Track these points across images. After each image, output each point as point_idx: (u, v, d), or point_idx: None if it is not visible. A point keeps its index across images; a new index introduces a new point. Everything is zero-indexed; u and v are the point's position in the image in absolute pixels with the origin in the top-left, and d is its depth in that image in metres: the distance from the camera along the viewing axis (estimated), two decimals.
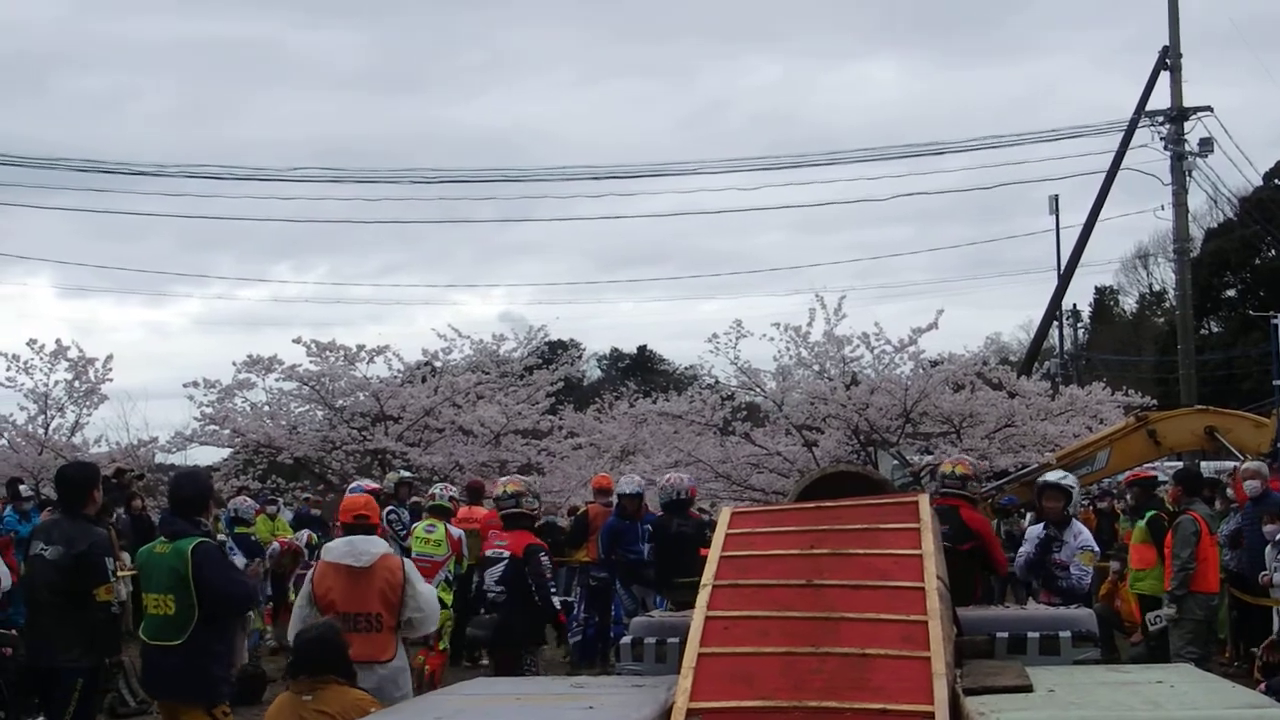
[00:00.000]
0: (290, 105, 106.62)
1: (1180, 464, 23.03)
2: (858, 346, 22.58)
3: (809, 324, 22.52)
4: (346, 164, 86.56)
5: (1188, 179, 34.73)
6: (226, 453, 25.80)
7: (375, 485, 15.80)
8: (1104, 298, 70.35)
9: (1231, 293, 56.63)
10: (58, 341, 24.21)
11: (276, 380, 24.40)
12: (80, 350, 24.27)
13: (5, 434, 24.22)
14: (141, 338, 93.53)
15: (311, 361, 24.19)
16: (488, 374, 25.28)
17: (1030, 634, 7.77)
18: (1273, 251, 54.13)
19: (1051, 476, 14.75)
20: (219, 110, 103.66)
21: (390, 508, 17.06)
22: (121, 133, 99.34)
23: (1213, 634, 14.80)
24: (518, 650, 11.70)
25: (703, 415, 23.32)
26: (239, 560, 15.75)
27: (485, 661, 15.52)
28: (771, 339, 22.71)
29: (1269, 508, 13.91)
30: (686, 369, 37.50)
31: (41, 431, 24.09)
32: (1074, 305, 62.03)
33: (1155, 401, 25.46)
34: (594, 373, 67.62)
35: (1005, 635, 7.75)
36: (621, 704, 6.35)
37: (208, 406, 23.90)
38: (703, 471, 21.85)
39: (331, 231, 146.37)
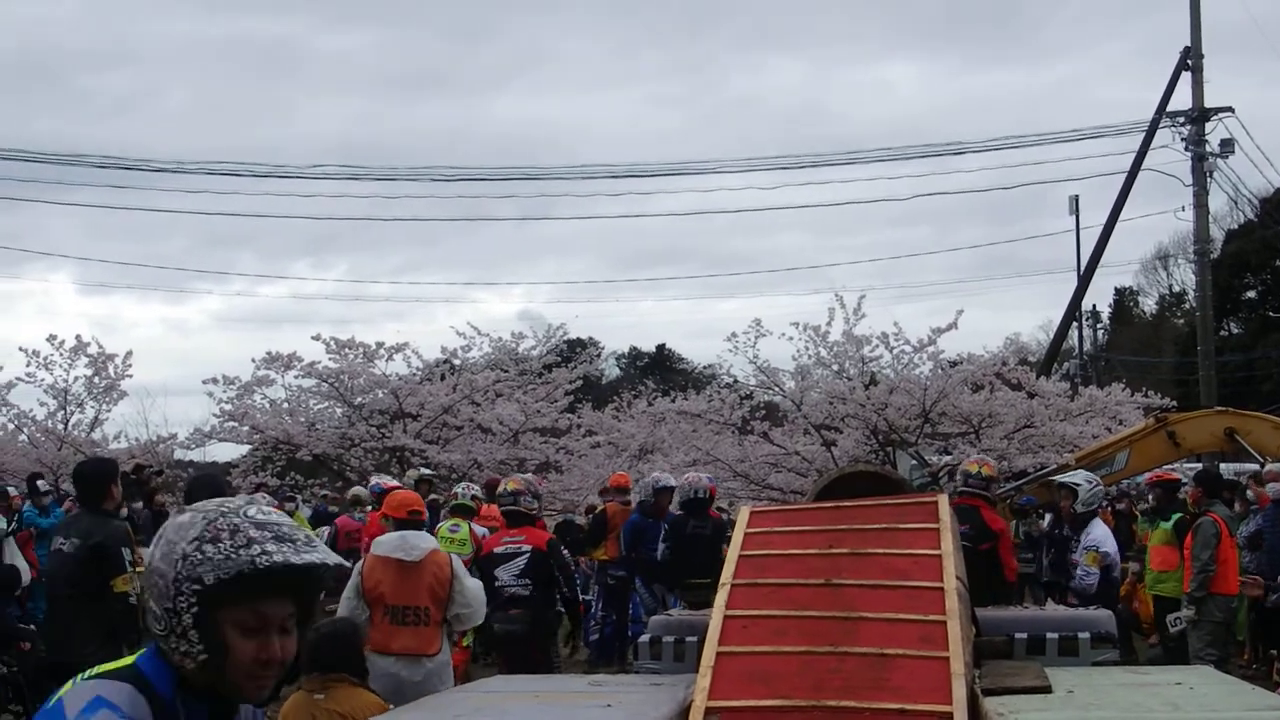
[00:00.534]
0: (313, 104, 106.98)
1: (1199, 465, 22.95)
2: (877, 346, 22.56)
3: (828, 324, 22.50)
4: (369, 163, 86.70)
5: (1209, 180, 34.60)
6: (245, 449, 25.87)
7: (395, 483, 15.77)
8: (1124, 299, 70.16)
9: (1252, 294, 56.39)
10: (78, 337, 24.33)
11: (296, 377, 24.47)
12: (100, 346, 24.39)
13: (25, 429, 24.32)
14: (162, 334, 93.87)
15: (331, 359, 24.26)
16: (506, 372, 25.30)
17: (1049, 635, 7.76)
18: None
19: (1066, 476, 14.81)
20: (242, 109, 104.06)
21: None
22: (144, 131, 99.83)
23: (1231, 636, 14.78)
24: (548, 642, 11.93)
25: (721, 414, 23.31)
26: None
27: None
28: (790, 338, 22.70)
29: None
30: (705, 368, 37.54)
31: (61, 427, 24.18)
32: (1094, 306, 61.88)
33: (1175, 403, 25.35)
34: (613, 371, 67.59)
35: (1024, 636, 7.74)
36: (640, 702, 6.35)
37: (227, 403, 23.95)
38: (721, 471, 21.84)
39: (352, 229, 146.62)
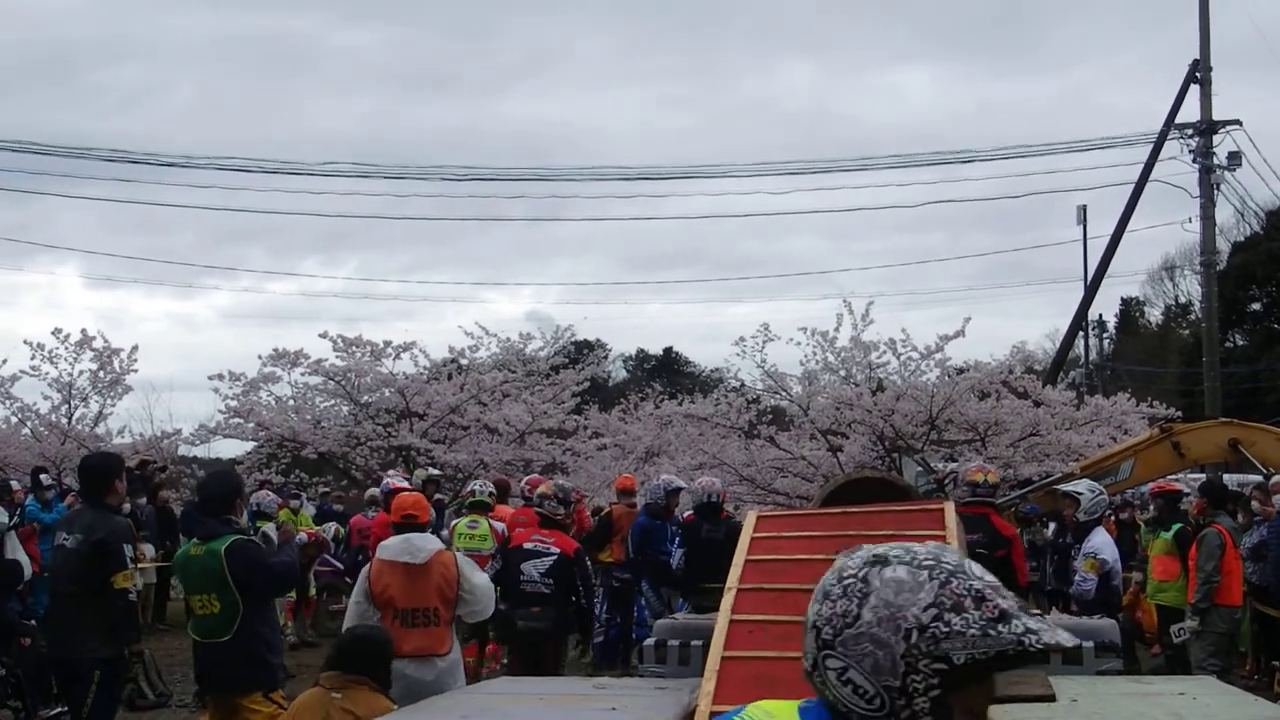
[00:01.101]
0: (325, 102, 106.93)
1: (1203, 476, 22.95)
2: (884, 353, 22.55)
3: (836, 329, 22.49)
4: (382, 161, 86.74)
5: (1215, 192, 34.64)
6: (250, 446, 25.85)
7: (404, 483, 15.79)
8: (1130, 309, 70.12)
9: (1257, 306, 56.35)
10: (83, 331, 24.28)
11: (302, 375, 24.44)
12: (105, 340, 24.36)
13: (29, 423, 24.29)
14: (168, 329, 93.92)
15: (338, 356, 24.23)
16: (514, 372, 25.27)
17: None
18: None
19: (1069, 485, 14.83)
20: (253, 105, 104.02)
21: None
22: (155, 126, 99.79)
23: (1234, 647, 14.79)
24: (562, 643, 12.56)
25: (728, 418, 23.29)
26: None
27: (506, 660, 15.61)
28: (798, 343, 22.69)
29: None
30: (712, 371, 37.52)
31: (65, 421, 24.13)
32: (1100, 316, 61.84)
33: (1180, 413, 25.33)
34: (620, 373, 67.60)
35: None
36: (644, 706, 6.38)
37: (232, 399, 23.94)
38: (727, 474, 21.82)
39: (362, 227, 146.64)
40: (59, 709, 11.65)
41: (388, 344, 24.73)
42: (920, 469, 22.52)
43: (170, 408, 72.03)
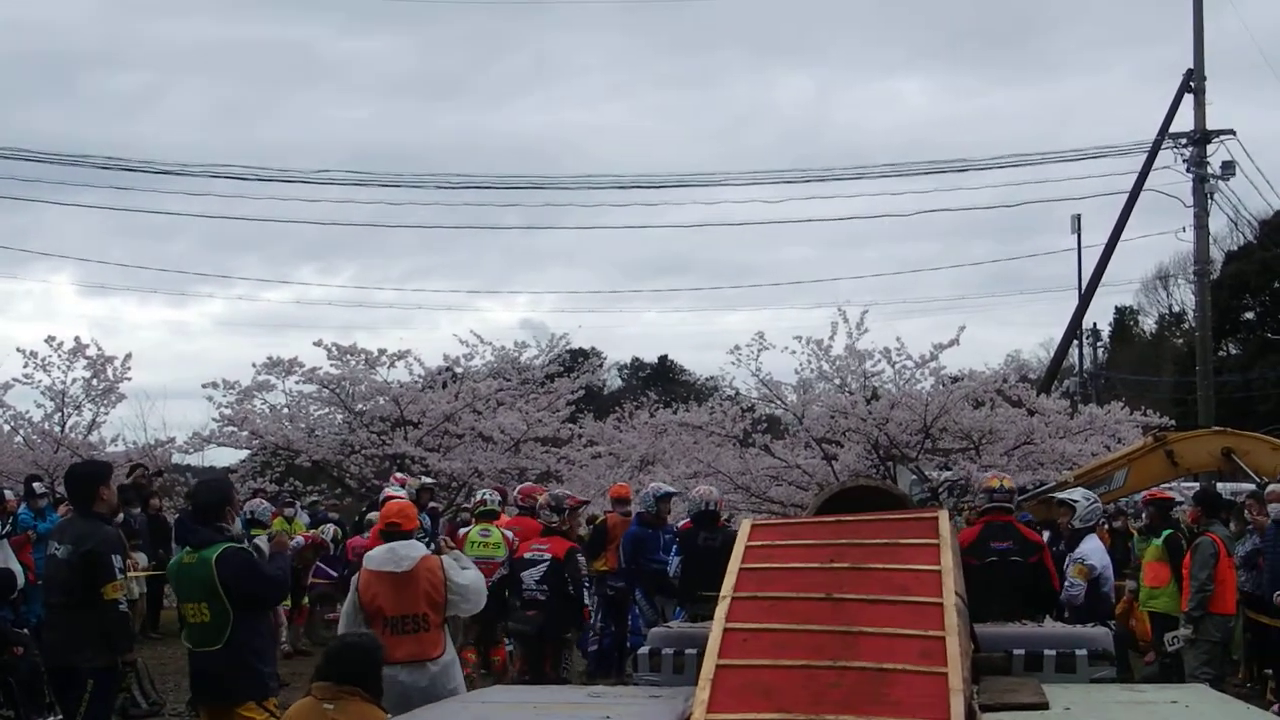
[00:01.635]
0: (328, 110, 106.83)
1: (1196, 485, 22.98)
2: (879, 361, 22.60)
3: (831, 338, 22.55)
4: (383, 169, 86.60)
5: (1209, 201, 34.67)
6: (244, 454, 25.82)
7: (399, 492, 15.78)
8: (1124, 318, 70.20)
9: (1250, 315, 56.40)
10: (76, 339, 24.25)
11: (296, 383, 24.46)
12: (99, 348, 24.32)
13: (21, 431, 24.21)
14: (163, 337, 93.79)
15: (332, 365, 24.25)
16: (509, 381, 25.29)
17: (1047, 652, 7.79)
18: None
19: (1065, 493, 14.86)
20: (256, 113, 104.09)
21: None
22: (152, 133, 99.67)
23: (1227, 655, 14.80)
24: (558, 645, 13.23)
25: (723, 426, 23.32)
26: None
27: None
28: (793, 352, 22.73)
29: None
30: (707, 380, 37.55)
31: (58, 429, 24.09)
32: (1094, 324, 61.97)
33: (1173, 422, 25.39)
34: (615, 382, 67.62)
35: (1022, 652, 7.77)
36: (639, 714, 6.38)
37: (226, 408, 23.93)
38: (722, 483, 21.80)
39: (358, 236, 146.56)
40: (53, 718, 11.63)
41: (382, 352, 24.76)
42: (915, 477, 22.54)
43: (164, 416, 71.86)
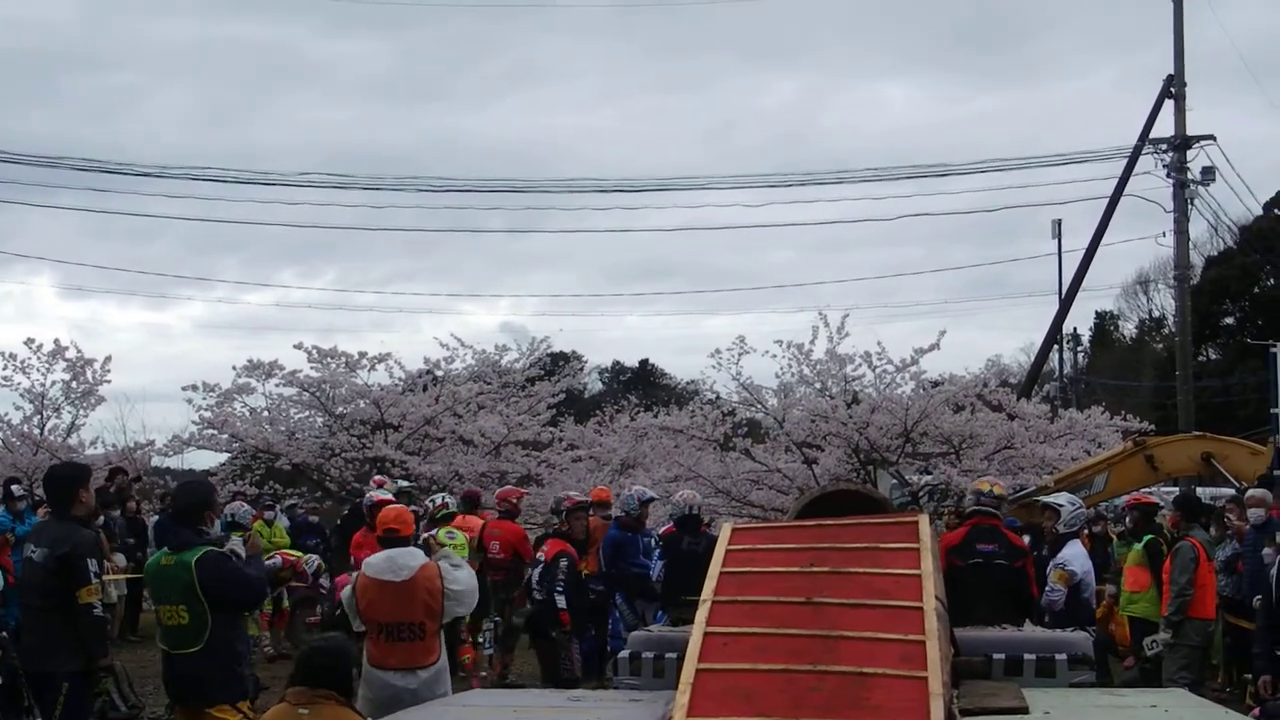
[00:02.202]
0: (310, 112, 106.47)
1: (1175, 490, 23.05)
2: (860, 365, 22.64)
3: (812, 342, 22.58)
4: (365, 172, 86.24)
5: (1190, 207, 34.83)
6: (224, 457, 25.78)
7: (386, 495, 15.76)
8: (1104, 322, 70.35)
9: (1230, 320, 56.60)
10: (56, 341, 24.18)
11: (276, 386, 24.41)
12: (78, 351, 24.24)
13: (0, 433, 24.13)
14: (143, 340, 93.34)
15: (312, 367, 24.20)
16: (489, 384, 25.27)
17: (1027, 656, 7.80)
18: (1272, 280, 54.17)
19: (1050, 497, 14.88)
20: (238, 115, 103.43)
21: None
22: (136, 134, 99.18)
23: (1207, 659, 14.83)
24: (551, 644, 14.21)
25: (703, 430, 23.34)
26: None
27: (482, 673, 15.71)
28: (774, 356, 22.77)
29: (1272, 534, 13.94)
30: (688, 384, 37.55)
31: (37, 432, 24.01)
32: (1074, 329, 62.16)
33: (1153, 427, 25.48)
34: (595, 385, 67.61)
35: (1002, 657, 7.78)
36: (619, 717, 6.39)
37: (206, 410, 23.86)
38: (702, 487, 21.84)
39: (339, 238, 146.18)
40: None
41: (363, 355, 24.72)
42: (895, 482, 22.57)
43: (144, 419, 71.62)
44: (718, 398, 24.19)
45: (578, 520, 15.19)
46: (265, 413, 24.60)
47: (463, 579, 10.06)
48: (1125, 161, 33.20)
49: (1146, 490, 18.80)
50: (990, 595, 10.95)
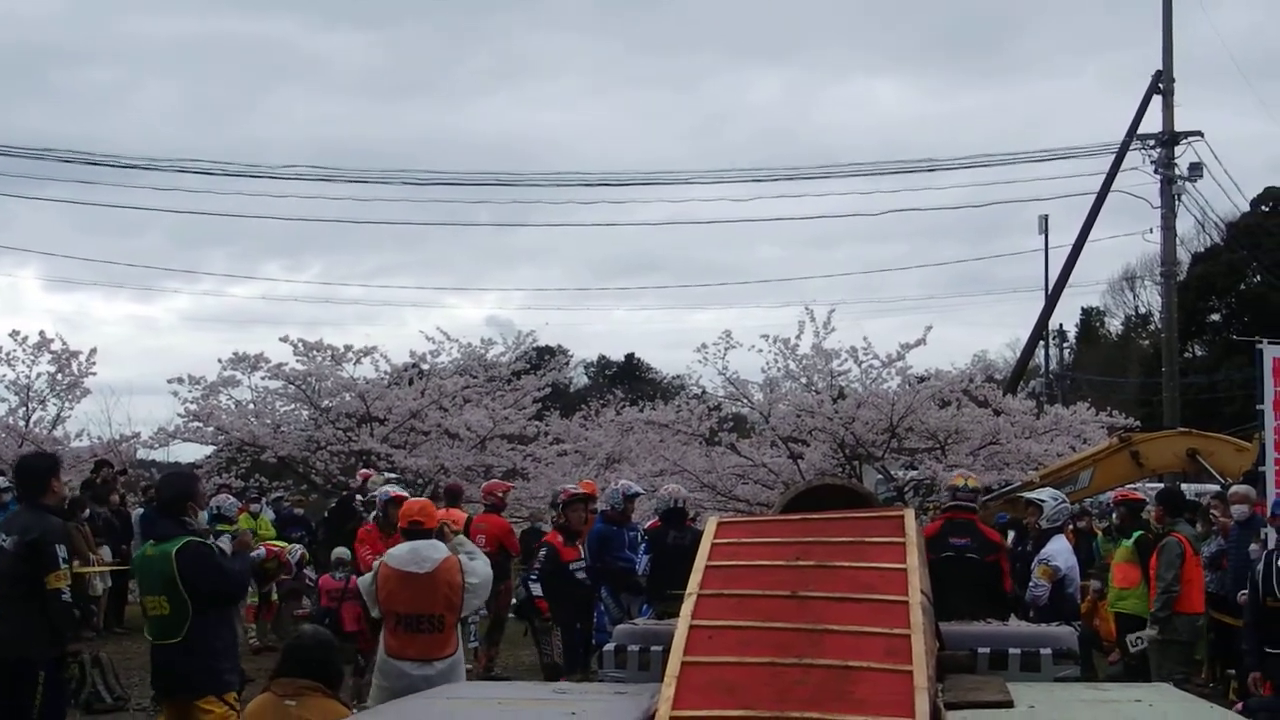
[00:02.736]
0: (298, 107, 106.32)
1: (1160, 485, 23.10)
2: (845, 360, 22.67)
3: (798, 336, 22.60)
4: (355, 166, 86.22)
5: (1176, 203, 34.86)
6: (209, 450, 25.75)
7: (403, 492, 15.73)
8: (1090, 319, 70.44)
9: (1216, 317, 56.74)
10: (41, 334, 24.20)
11: (262, 379, 24.38)
12: (64, 343, 24.25)
13: None
14: (129, 332, 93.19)
15: (298, 361, 24.18)
16: (475, 378, 25.26)
17: (1012, 650, 7.80)
18: (1258, 277, 54.27)
19: (1033, 493, 14.92)
20: (227, 110, 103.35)
21: (377, 513, 17.10)
22: (126, 129, 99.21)
23: (1192, 655, 14.88)
24: (541, 631, 14.88)
25: (689, 425, 23.36)
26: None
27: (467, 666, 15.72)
28: (760, 351, 22.79)
29: (1256, 530, 13.99)
30: (674, 378, 37.60)
31: (22, 424, 23.99)
32: (1060, 325, 62.21)
33: (1139, 423, 25.53)
34: (581, 380, 67.60)
35: (987, 651, 7.78)
36: (604, 711, 6.37)
37: (192, 403, 23.83)
38: (688, 481, 21.84)
39: (326, 231, 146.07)
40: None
41: (348, 348, 24.70)
42: (881, 477, 22.61)
43: (129, 411, 71.47)
44: (703, 392, 24.22)
45: (574, 512, 15.28)
46: (251, 405, 24.59)
47: (480, 571, 10.09)
48: (1112, 157, 33.25)
49: (1131, 486, 18.83)
50: (961, 589, 11.03)
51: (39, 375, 24.14)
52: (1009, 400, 23.74)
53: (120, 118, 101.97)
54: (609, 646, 8.40)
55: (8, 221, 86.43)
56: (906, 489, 22.40)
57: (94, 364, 24.42)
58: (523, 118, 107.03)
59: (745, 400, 23.45)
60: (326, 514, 20.99)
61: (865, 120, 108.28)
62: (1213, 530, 15.47)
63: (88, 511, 19.85)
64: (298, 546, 18.91)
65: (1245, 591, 13.45)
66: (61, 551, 9.66)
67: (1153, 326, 60.03)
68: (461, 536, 10.93)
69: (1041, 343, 47.95)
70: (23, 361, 23.98)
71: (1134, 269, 64.12)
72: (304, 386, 24.36)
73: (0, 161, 37.95)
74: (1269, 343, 13.11)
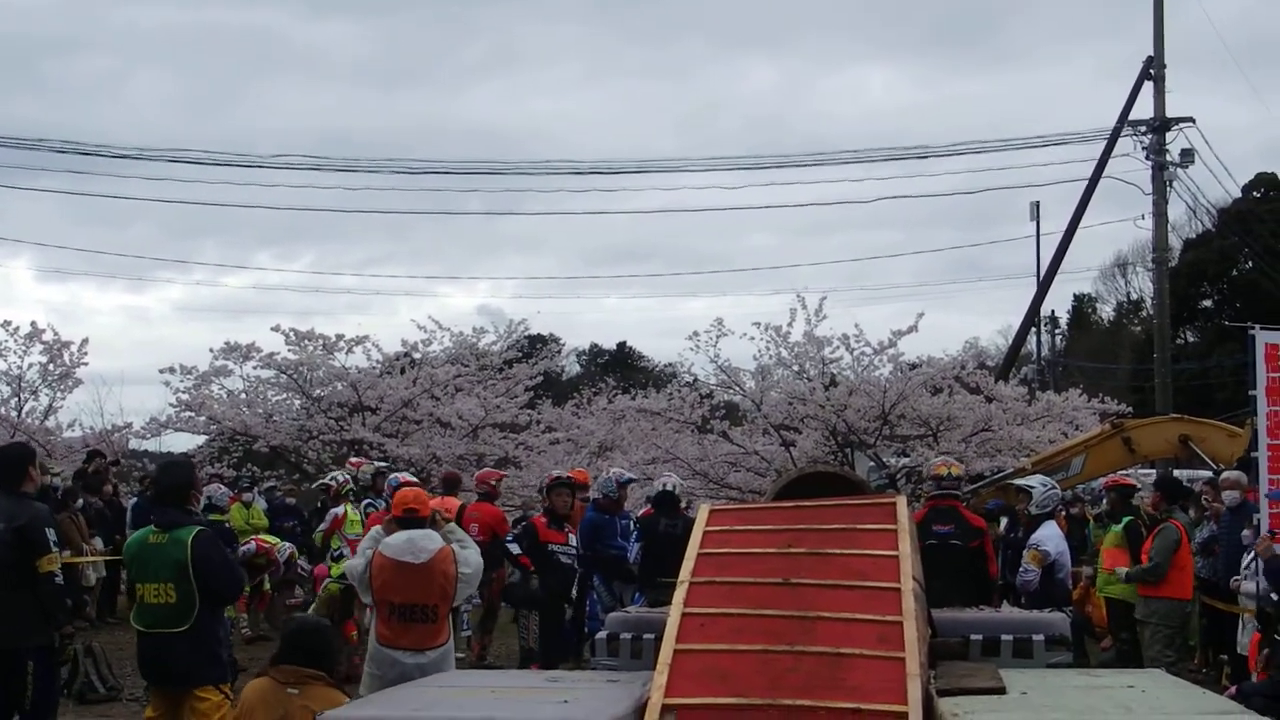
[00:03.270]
0: (292, 96, 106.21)
1: (1153, 472, 23.11)
2: (838, 348, 22.67)
3: (789, 324, 22.59)
4: (348, 155, 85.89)
5: (1168, 189, 34.84)
6: (202, 439, 25.71)
7: (411, 478, 15.74)
8: (1082, 305, 70.48)
9: (1208, 303, 56.76)
10: (33, 324, 24.18)
11: (254, 368, 24.35)
12: (55, 333, 24.21)
13: None
14: (122, 323, 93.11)
15: (290, 350, 24.15)
16: (467, 367, 25.24)
17: (1004, 637, 7.81)
18: (1250, 264, 54.29)
19: (1022, 480, 14.95)
20: (219, 100, 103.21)
21: (368, 500, 17.10)
22: (118, 119, 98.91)
23: (1184, 640, 14.91)
24: (532, 614, 14.87)
25: (681, 413, 23.35)
26: None
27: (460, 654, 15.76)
28: (752, 338, 22.79)
29: (1248, 516, 14.01)
30: (666, 366, 37.58)
31: (14, 414, 23.95)
32: (1052, 312, 62.19)
33: (1131, 409, 25.53)
34: (573, 368, 67.56)
35: (979, 638, 7.79)
36: (597, 699, 6.37)
37: (184, 393, 23.80)
38: (680, 469, 21.86)
39: (318, 221, 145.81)
40: None
41: (340, 338, 24.66)
42: (873, 464, 22.61)
43: (121, 402, 71.27)
44: (695, 380, 24.20)
45: (559, 496, 15.26)
46: (243, 395, 24.56)
47: (472, 560, 10.04)
48: (1104, 144, 33.24)
49: (1124, 472, 18.85)
50: (945, 575, 11.10)
51: (31, 366, 24.16)
52: (1001, 387, 23.76)
53: (113, 108, 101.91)
54: (601, 635, 8.40)
55: (1, 212, 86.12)
56: (899, 476, 22.40)
57: (86, 354, 24.42)
58: (515, 108, 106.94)
59: (737, 388, 23.45)
60: (319, 504, 20.96)
61: (857, 108, 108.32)
62: (1205, 516, 15.49)
63: (80, 502, 19.83)
64: (287, 545, 18.94)
65: (1238, 577, 13.51)
66: (51, 535, 9.64)
67: (1145, 313, 60.08)
68: (452, 525, 10.88)
69: (1033, 329, 48.01)
70: (14, 352, 24.02)
71: (1126, 255, 64.22)
72: (296, 376, 24.32)
73: None
74: (1261, 328, 13.05)
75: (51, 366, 24.17)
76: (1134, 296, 66.66)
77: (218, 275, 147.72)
